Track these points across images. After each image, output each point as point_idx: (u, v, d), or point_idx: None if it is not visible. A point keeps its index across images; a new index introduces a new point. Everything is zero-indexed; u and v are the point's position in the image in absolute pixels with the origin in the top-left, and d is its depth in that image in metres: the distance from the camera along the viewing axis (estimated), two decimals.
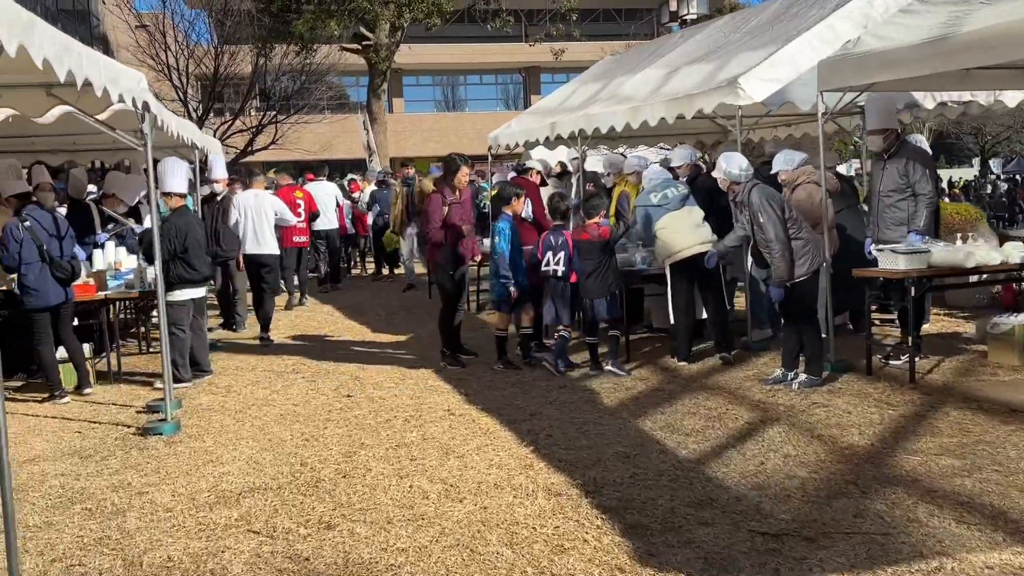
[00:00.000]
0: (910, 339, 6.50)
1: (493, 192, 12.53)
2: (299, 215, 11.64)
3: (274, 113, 26.31)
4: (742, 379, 6.67)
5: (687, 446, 5.10)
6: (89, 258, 8.28)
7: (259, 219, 9.67)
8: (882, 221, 7.22)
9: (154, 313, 8.39)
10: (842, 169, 12.96)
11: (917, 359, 6.53)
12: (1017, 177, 29.49)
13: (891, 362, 6.89)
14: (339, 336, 9.51)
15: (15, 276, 6.72)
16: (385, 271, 14.94)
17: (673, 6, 20.96)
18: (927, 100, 8.58)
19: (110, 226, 9.11)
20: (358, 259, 16.62)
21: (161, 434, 5.78)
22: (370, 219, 15.00)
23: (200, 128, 23.09)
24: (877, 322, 7.96)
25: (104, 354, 7.63)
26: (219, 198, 9.89)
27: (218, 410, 6.44)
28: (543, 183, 10.00)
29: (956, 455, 4.72)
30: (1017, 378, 6.32)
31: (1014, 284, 8.38)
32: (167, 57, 23.96)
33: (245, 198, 9.84)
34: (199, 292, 7.26)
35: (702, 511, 4.11)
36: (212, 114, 25.94)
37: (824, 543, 3.72)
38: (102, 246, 8.68)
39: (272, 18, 23.06)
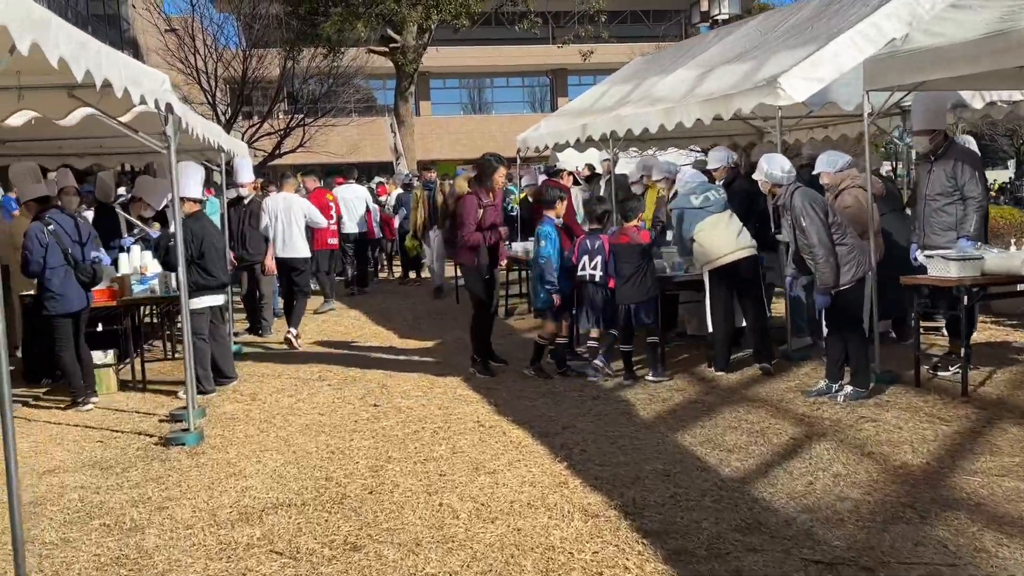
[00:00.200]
0: (962, 350, 6.19)
1: (522, 195, 12.38)
2: (331, 218, 11.58)
3: (302, 116, 26.35)
4: (784, 391, 6.40)
5: (730, 463, 4.84)
6: (115, 262, 8.19)
7: (289, 222, 9.59)
8: (928, 226, 6.90)
9: (178, 319, 8.27)
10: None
11: (968, 370, 6.22)
12: None
13: (940, 373, 6.59)
14: (366, 342, 9.35)
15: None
16: (412, 275, 14.79)
17: (704, 6, 20.60)
18: (975, 100, 8.26)
19: (135, 230, 9.02)
20: (385, 263, 16.50)
21: (183, 444, 5.62)
22: (396, 222, 14.89)
23: (228, 131, 23.22)
24: (921, 330, 7.64)
25: (128, 360, 7.52)
26: (246, 201, 9.80)
27: (242, 419, 6.28)
28: (576, 183, 9.78)
29: (1020, 476, 4.43)
30: None
31: None
32: (196, 60, 24.05)
33: (275, 201, 9.78)
34: (217, 299, 7.12)
35: (750, 536, 3.86)
36: (240, 117, 26.01)
37: (884, 574, 3.46)
38: (128, 250, 8.60)
39: (300, 21, 23.04)
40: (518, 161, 12.12)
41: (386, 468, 5.03)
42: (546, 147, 11.22)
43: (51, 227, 6.36)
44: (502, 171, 7.34)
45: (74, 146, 9.35)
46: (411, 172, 18.59)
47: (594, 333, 7.16)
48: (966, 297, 6.07)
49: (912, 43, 6.40)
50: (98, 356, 7.21)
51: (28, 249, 6.28)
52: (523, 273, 11.47)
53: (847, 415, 5.67)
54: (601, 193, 10.30)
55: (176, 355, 8.73)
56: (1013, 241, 6.92)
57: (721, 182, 8.29)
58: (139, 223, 8.61)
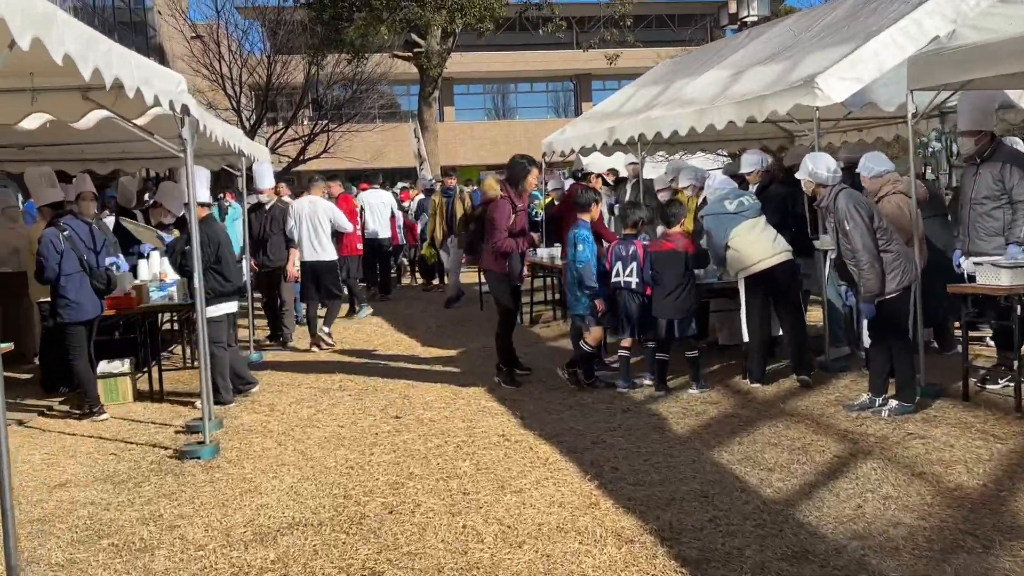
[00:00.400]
0: (1015, 363, 5.85)
1: (547, 200, 12.14)
2: (356, 223, 11.46)
3: (326, 122, 26.32)
4: (824, 404, 6.10)
5: (771, 484, 4.56)
6: (134, 269, 8.06)
7: (314, 225, 9.46)
8: (973, 231, 6.58)
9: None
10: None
11: (1022, 384, 5.88)
12: None
13: (989, 386, 6.26)
14: (388, 350, 9.14)
15: None
16: (435, 281, 14.60)
17: (732, 8, 20.20)
18: (1023, 100, 7.92)
19: (141, 246, 8.88)
20: (408, 268, 16.33)
21: (198, 458, 5.43)
22: (419, 228, 14.72)
23: (253, 137, 23.22)
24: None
25: (145, 369, 7.36)
26: (267, 207, 9.65)
27: (260, 431, 6.09)
28: (606, 185, 9.54)
29: None
30: None
31: None
32: (221, 67, 24.09)
33: (301, 205, 9.65)
34: (234, 306, 6.94)
35: (798, 566, 3.58)
36: (265, 123, 26.03)
37: None
38: (147, 256, 8.46)
39: (324, 27, 22.99)
40: (543, 165, 11.89)
41: (407, 485, 4.80)
42: (572, 151, 10.99)
43: (66, 233, 6.21)
44: (535, 173, 7.12)
45: (96, 151, 9.26)
46: (435, 177, 18.42)
47: (626, 343, 6.89)
48: (1019, 307, 5.74)
49: (959, 40, 6.11)
50: (115, 365, 7.08)
51: (43, 255, 6.14)
52: (548, 280, 11.23)
53: (893, 431, 5.37)
54: (628, 198, 10.03)
55: (196, 363, 8.57)
56: None
57: (755, 186, 8.02)
58: (146, 227, 8.43)
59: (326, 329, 9.42)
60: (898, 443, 5.13)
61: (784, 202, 7.46)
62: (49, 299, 6.75)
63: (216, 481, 5.03)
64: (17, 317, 8.65)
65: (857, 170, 6.82)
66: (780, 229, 7.07)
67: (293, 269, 9.55)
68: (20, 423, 6.54)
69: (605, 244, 7.13)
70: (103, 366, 6.99)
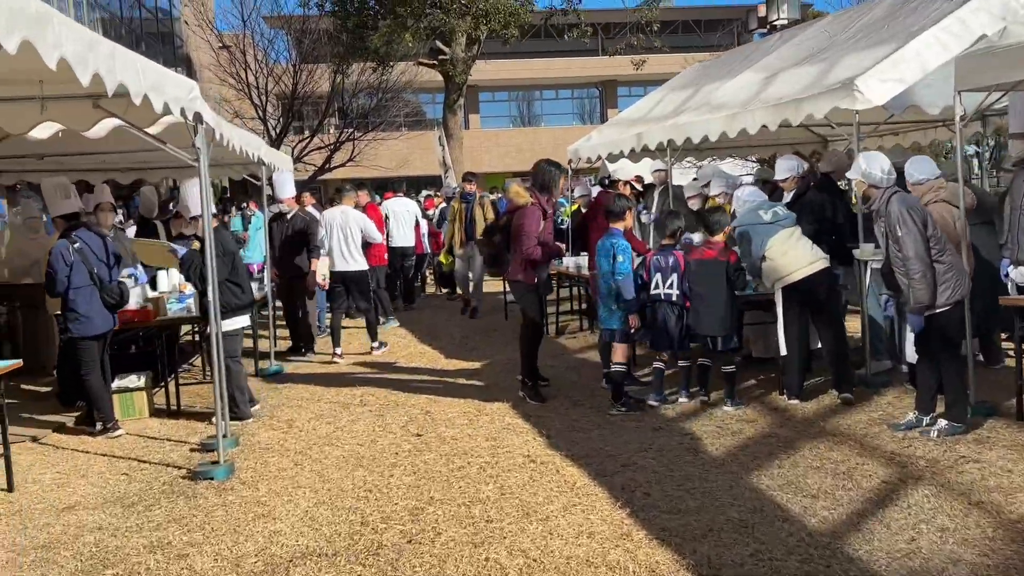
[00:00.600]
0: None
1: (573, 207, 11.87)
2: (383, 232, 11.32)
3: (351, 130, 26.28)
4: (867, 423, 5.77)
5: (816, 512, 4.26)
6: (152, 280, 7.92)
7: (346, 236, 9.30)
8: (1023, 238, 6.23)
9: None
10: None
11: None
12: None
13: None
14: (410, 362, 8.92)
15: None
16: (460, 290, 14.37)
17: (762, 12, 19.87)
18: None
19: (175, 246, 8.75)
20: (432, 278, 16.13)
21: (212, 479, 5.22)
22: (443, 236, 14.52)
23: (279, 146, 23.23)
24: (1010, 353, 6.94)
25: (162, 383, 7.19)
26: (288, 217, 9.49)
27: (276, 449, 5.87)
28: (635, 194, 9.27)
29: None
30: None
31: None
32: (247, 76, 24.14)
33: (332, 215, 9.50)
34: (247, 319, 6.75)
35: None
36: (291, 132, 26.05)
37: None
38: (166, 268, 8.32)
39: (349, 35, 22.94)
40: (569, 172, 11.64)
41: (427, 511, 4.55)
42: (598, 158, 10.73)
43: (76, 245, 6.05)
44: (563, 181, 6.88)
45: (117, 161, 9.16)
46: (459, 185, 18.24)
47: (663, 355, 6.62)
48: None
49: (1010, 37, 5.80)
50: (131, 379, 6.92)
51: (52, 267, 5.98)
52: (574, 290, 10.96)
53: (944, 454, 5.03)
54: (655, 206, 9.74)
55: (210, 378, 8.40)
56: None
57: (790, 193, 7.71)
58: (166, 244, 8.29)
59: (374, 344, 9.41)
60: (950, 467, 4.80)
61: (822, 209, 7.15)
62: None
63: (229, 504, 4.82)
64: (36, 329, 8.55)
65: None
66: (818, 237, 6.76)
67: (316, 279, 9.38)
68: (34, 439, 6.38)
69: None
70: (119, 381, 6.83)
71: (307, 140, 25.91)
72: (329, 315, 9.98)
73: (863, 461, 5.00)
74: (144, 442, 6.22)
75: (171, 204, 11.78)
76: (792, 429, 5.75)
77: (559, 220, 11.48)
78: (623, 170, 11.46)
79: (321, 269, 9.66)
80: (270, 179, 9.31)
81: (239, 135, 7.19)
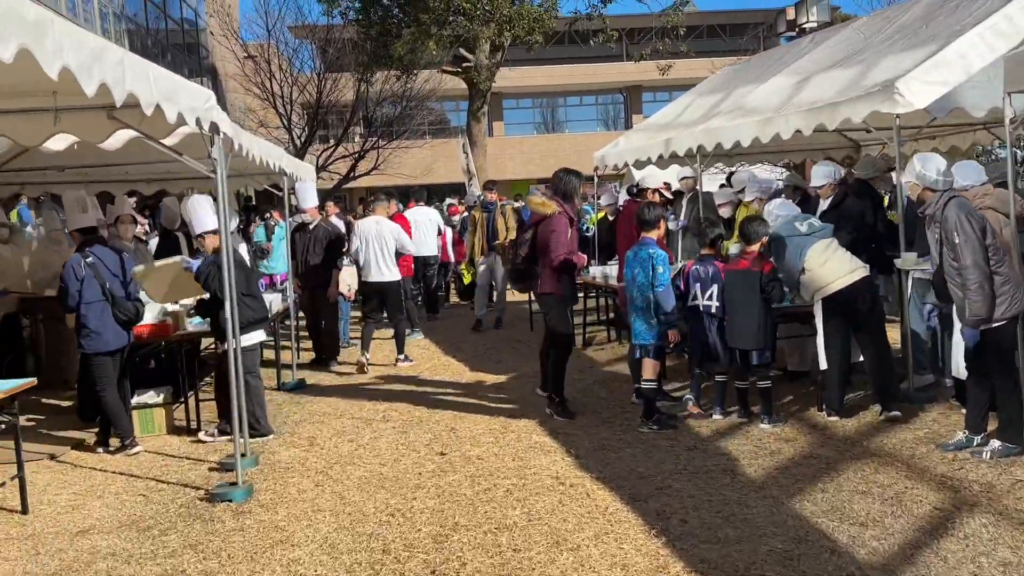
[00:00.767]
0: None
1: (599, 215, 11.64)
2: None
3: (376, 139, 26.22)
4: (913, 442, 5.48)
5: (865, 542, 3.99)
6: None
7: (380, 247, 9.13)
8: None
9: None
10: None
11: None
12: None
13: None
14: (434, 375, 8.72)
15: None
16: (475, 306, 14.16)
17: (791, 15, 19.54)
18: None
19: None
20: (454, 287, 15.94)
21: (230, 500, 5.05)
22: (466, 246, 14.34)
23: (303, 155, 23.21)
24: None
25: (182, 399, 7.05)
26: (310, 227, 9.36)
27: (297, 469, 5.70)
28: (664, 202, 9.04)
29: None
30: None
31: None
32: (272, 85, 24.17)
33: (366, 225, 9.31)
34: (263, 333, 6.58)
35: None
36: (316, 140, 26.06)
37: None
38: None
39: (373, 43, 22.89)
40: (595, 179, 11.41)
41: (451, 538, 4.34)
42: (625, 164, 10.49)
43: (89, 260, 5.92)
44: (582, 189, 6.67)
45: (139, 172, 9.07)
46: (481, 194, 18.08)
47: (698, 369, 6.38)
48: None
49: None
50: (149, 395, 6.78)
51: (64, 282, 5.86)
52: (602, 300, 10.72)
53: (999, 477, 4.74)
54: (683, 213, 9.49)
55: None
56: None
57: (827, 201, 7.44)
58: (178, 261, 8.14)
59: (400, 356, 9.27)
60: (1007, 492, 4.52)
61: (862, 217, 6.89)
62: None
63: (247, 529, 4.64)
64: (59, 342, 8.47)
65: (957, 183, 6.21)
66: (857, 245, 6.49)
67: (341, 288, 9.22)
68: (52, 457, 6.26)
69: None
70: (138, 396, 6.70)
71: (332, 149, 25.91)
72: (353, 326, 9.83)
73: (912, 485, 4.72)
74: (163, 460, 6.08)
75: None
76: (834, 449, 5.47)
77: (584, 228, 11.25)
78: (651, 177, 11.23)
79: (346, 279, 9.51)
80: (292, 189, 9.17)
81: (259, 145, 7.04)
